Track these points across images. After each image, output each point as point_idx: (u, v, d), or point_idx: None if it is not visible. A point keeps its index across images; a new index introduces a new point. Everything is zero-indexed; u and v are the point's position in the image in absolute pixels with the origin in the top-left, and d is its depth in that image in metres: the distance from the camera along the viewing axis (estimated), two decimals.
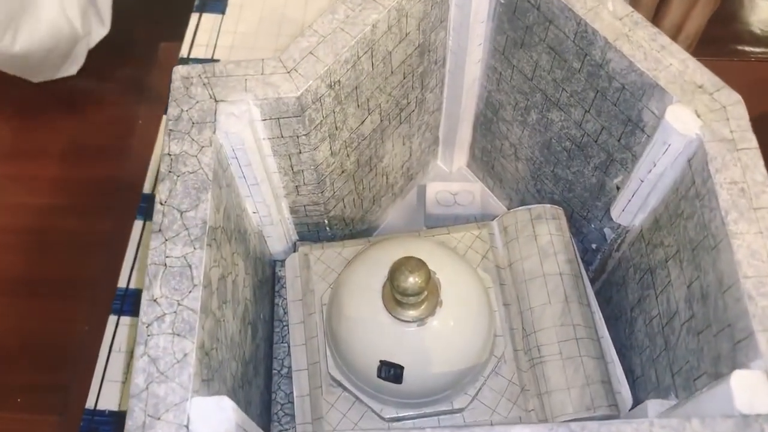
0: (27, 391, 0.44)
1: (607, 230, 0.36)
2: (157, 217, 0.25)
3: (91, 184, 0.52)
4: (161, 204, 0.25)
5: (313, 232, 0.38)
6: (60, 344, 0.45)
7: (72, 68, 0.53)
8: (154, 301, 0.24)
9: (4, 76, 0.52)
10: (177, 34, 0.55)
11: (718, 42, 0.55)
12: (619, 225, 0.34)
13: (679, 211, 0.28)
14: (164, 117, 0.51)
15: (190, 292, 0.24)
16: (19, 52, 0.46)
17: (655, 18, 0.45)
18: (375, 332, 0.29)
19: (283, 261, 0.38)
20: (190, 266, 0.24)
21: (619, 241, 0.35)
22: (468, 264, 0.32)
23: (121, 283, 0.44)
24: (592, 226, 0.37)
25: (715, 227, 0.25)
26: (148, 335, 0.23)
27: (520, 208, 0.36)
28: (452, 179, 0.45)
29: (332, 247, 0.36)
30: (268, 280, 0.37)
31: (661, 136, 0.28)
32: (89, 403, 0.41)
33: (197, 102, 0.28)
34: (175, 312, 0.23)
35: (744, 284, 0.24)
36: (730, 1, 0.57)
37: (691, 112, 0.27)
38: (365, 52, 0.30)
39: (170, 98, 0.28)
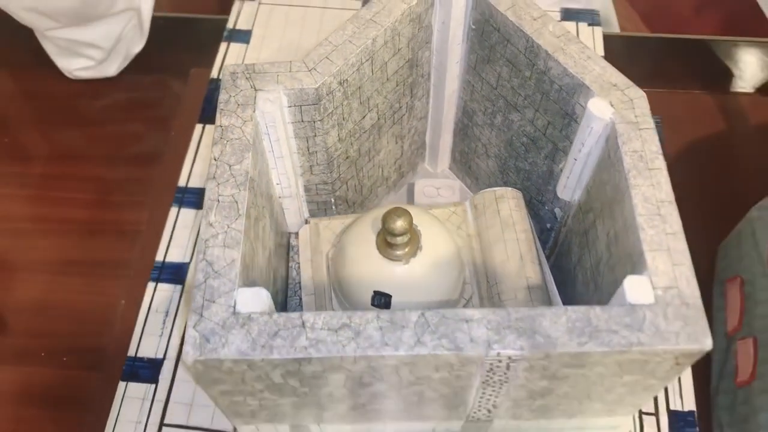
0: (72, 352, 0.52)
1: (557, 210, 0.45)
2: (211, 169, 0.34)
3: (129, 183, 0.61)
4: (215, 160, 0.34)
5: (321, 210, 0.47)
6: (100, 314, 0.54)
7: (111, 69, 0.63)
8: (210, 224, 0.33)
9: (52, 87, 0.62)
10: (206, 62, 0.65)
11: (674, 78, 0.66)
12: (564, 202, 0.43)
13: (602, 179, 0.37)
14: (196, 127, 0.61)
15: (236, 219, 0.33)
16: None
17: None
18: (370, 269, 0.38)
19: (296, 233, 0.47)
20: (236, 202, 0.33)
21: (565, 217, 0.44)
22: (443, 225, 0.41)
23: (159, 258, 0.53)
24: (546, 208, 0.46)
25: (622, 184, 0.34)
26: (206, 247, 0.32)
27: (487, 189, 0.45)
28: (437, 178, 0.55)
29: (338, 218, 0.45)
30: (284, 245, 0.46)
31: (586, 122, 0.37)
32: (131, 352, 0.49)
33: (241, 90, 0.37)
34: (225, 232, 0.32)
35: (639, 220, 0.33)
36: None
37: (607, 103, 0.36)
38: (367, 60, 0.39)
39: (221, 87, 0.37)
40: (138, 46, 0.64)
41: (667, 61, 0.69)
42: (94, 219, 0.59)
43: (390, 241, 0.37)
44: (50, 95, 0.66)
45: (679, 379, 0.47)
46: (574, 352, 0.29)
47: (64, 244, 0.58)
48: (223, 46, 0.64)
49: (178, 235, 0.54)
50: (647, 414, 0.46)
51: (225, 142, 0.35)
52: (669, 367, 0.31)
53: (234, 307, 0.30)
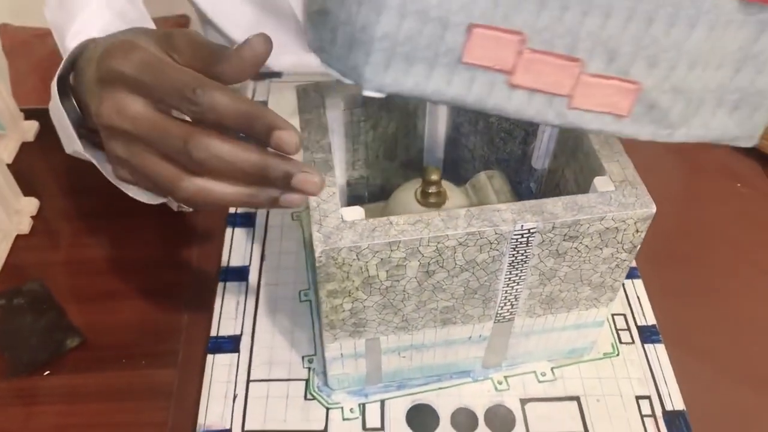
0: (149, 356, 0.63)
1: (532, 184, 0.62)
2: (304, 143, 0.49)
3: (182, 237, 0.74)
4: (306, 138, 0.50)
5: (357, 204, 0.62)
6: (167, 328, 0.65)
7: None
8: None
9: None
10: None
11: None
12: (537, 173, 0.60)
13: (564, 139, 0.54)
14: None
15: (330, 170, 0.48)
16: None
17: None
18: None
19: None
20: (326, 161, 0.48)
21: (539, 186, 0.61)
22: (457, 188, 0.57)
23: (222, 264, 0.65)
24: (523, 185, 0.63)
25: (578, 133, 0.51)
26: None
27: (482, 172, 0.61)
28: None
29: (375, 204, 0.60)
30: None
31: None
32: (212, 332, 0.60)
33: (312, 98, 0.53)
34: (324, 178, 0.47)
35: (595, 147, 0.49)
36: None
37: None
38: None
39: (298, 97, 0.53)
40: None
41: None
42: (150, 257, 0.71)
43: (426, 191, 0.52)
44: None
45: (640, 304, 0.63)
46: (570, 221, 0.45)
47: (125, 278, 0.69)
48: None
49: (236, 247, 0.67)
50: (622, 330, 0.61)
51: (310, 128, 0.50)
52: (632, 234, 0.47)
53: (342, 218, 0.45)
